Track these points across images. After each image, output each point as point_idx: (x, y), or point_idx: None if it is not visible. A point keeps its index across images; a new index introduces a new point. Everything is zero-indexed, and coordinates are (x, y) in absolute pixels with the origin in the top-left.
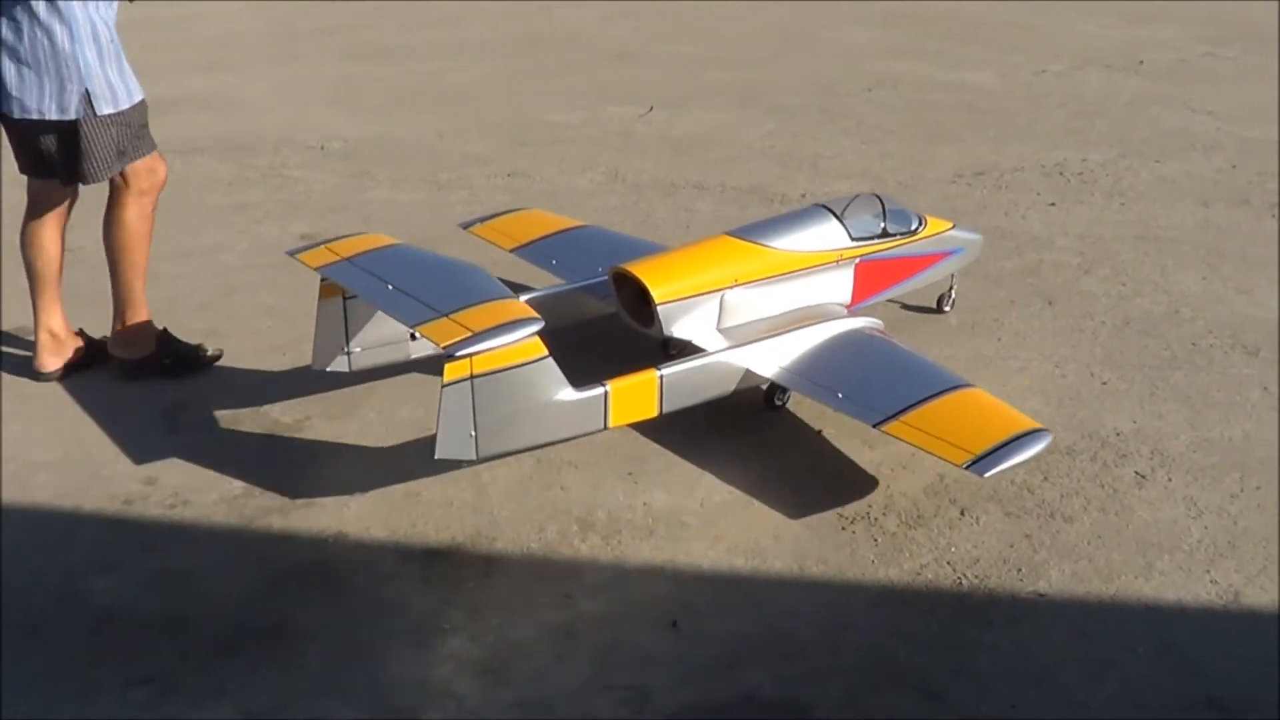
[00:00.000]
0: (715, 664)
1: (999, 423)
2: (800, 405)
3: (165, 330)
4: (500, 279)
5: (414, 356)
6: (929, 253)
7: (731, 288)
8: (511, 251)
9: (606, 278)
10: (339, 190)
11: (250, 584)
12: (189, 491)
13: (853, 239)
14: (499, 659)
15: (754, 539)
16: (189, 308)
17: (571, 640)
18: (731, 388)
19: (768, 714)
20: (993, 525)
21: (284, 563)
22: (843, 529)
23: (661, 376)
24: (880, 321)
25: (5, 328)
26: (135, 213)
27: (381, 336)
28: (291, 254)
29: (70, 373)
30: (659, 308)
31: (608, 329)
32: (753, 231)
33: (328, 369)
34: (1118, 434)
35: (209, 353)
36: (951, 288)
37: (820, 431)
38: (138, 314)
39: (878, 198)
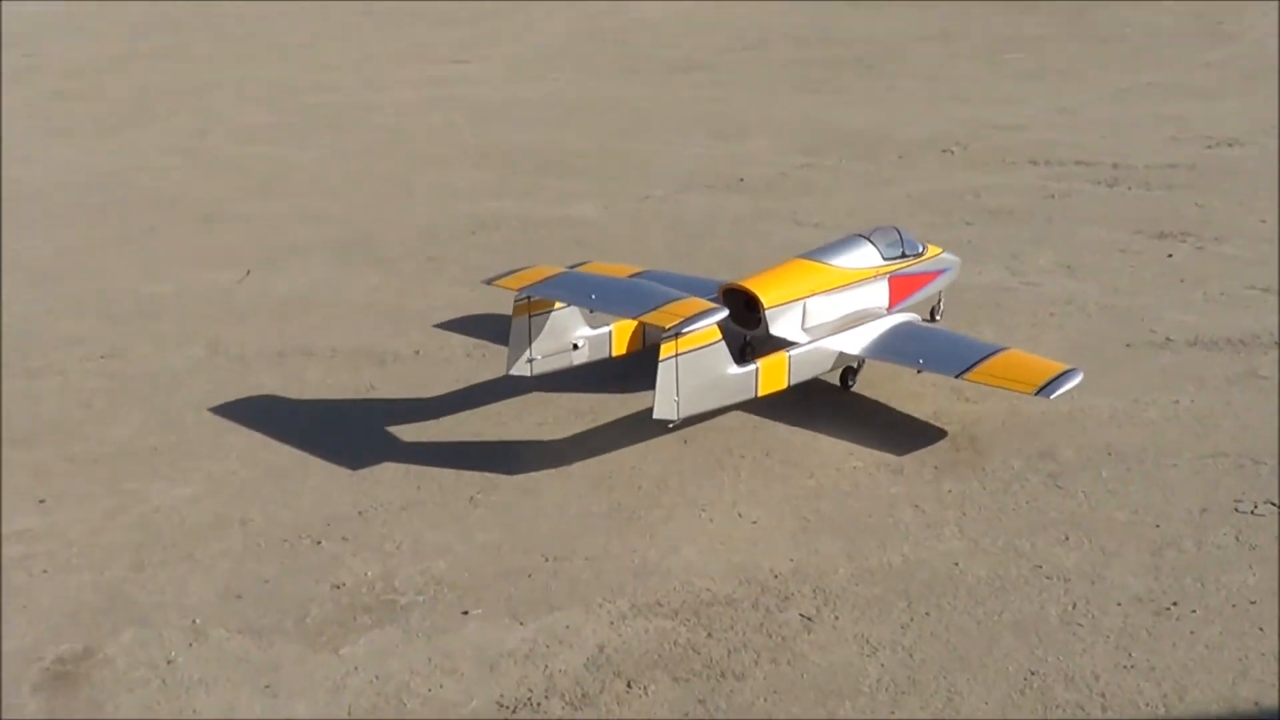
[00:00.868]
0: None
1: (1042, 367)
2: None
3: None
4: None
5: (575, 364)
6: (931, 270)
7: (815, 294)
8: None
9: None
10: None
11: None
12: None
13: (884, 259)
14: None
15: None
16: None
17: None
18: (830, 366)
19: None
20: (663, 695)
21: None
22: None
23: (790, 357)
24: (919, 316)
25: None
26: None
27: (554, 347)
28: (489, 282)
29: None
30: (766, 312)
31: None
32: (818, 254)
33: (512, 373)
34: (776, 575)
35: None
36: (940, 300)
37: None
38: None
39: (895, 229)
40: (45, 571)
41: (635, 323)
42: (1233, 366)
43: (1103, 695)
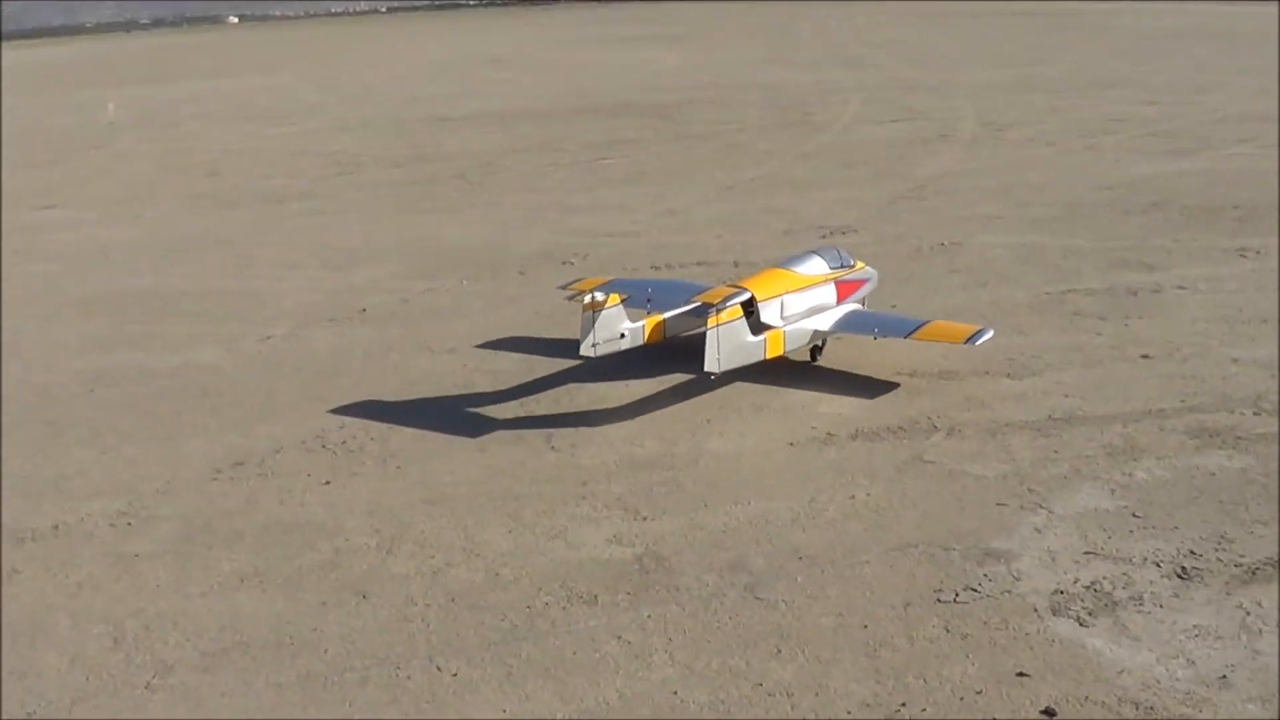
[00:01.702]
0: None
1: (962, 328)
2: None
3: None
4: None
5: (623, 349)
6: (860, 279)
7: (789, 292)
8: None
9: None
10: None
11: None
12: None
13: (830, 268)
14: None
15: None
16: None
17: None
18: (808, 341)
19: None
20: None
21: None
22: None
23: (785, 332)
24: (862, 306)
25: None
26: None
27: (608, 336)
28: (563, 286)
29: None
30: (761, 307)
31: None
32: (788, 263)
33: (581, 354)
34: None
35: None
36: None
37: None
38: None
39: (835, 249)
40: None
41: (659, 320)
42: (899, 454)
43: None
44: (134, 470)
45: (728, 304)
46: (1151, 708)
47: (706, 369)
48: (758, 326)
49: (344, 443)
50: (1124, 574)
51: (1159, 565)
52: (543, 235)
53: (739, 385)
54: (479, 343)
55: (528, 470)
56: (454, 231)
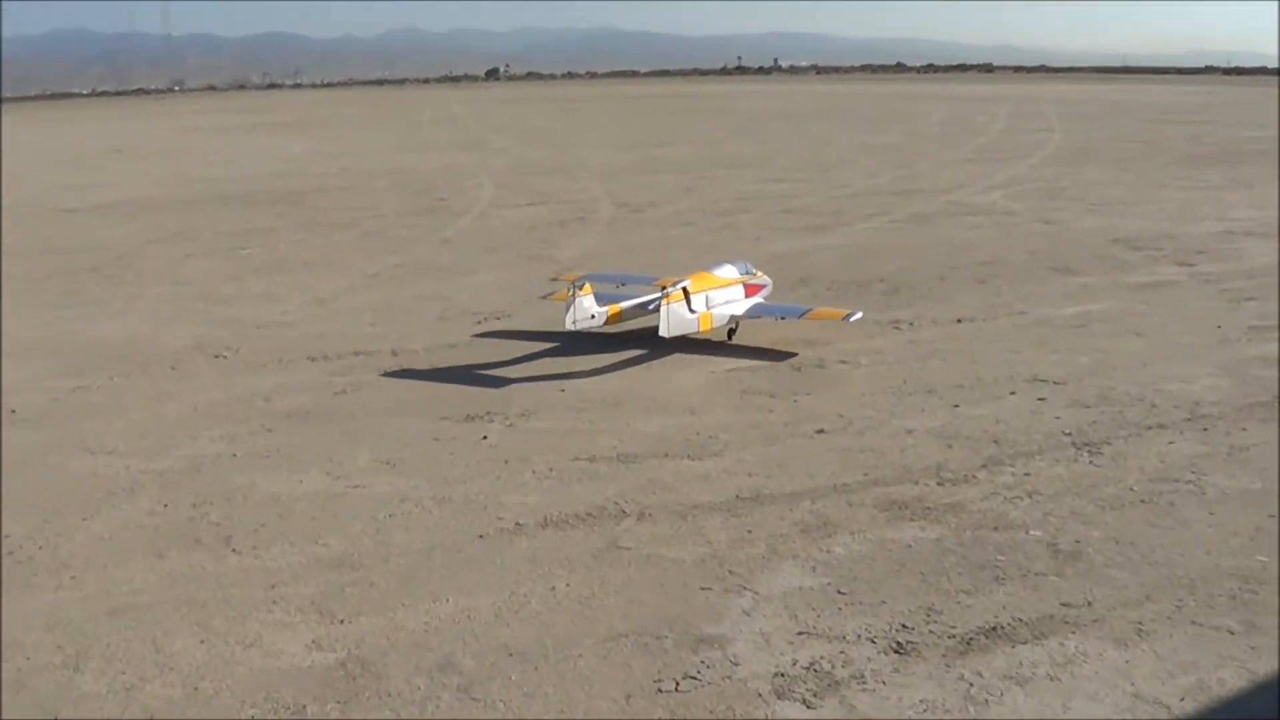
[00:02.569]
0: None
1: (838, 310)
2: None
3: None
4: None
5: (594, 329)
6: (760, 283)
7: (713, 289)
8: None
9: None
10: None
11: None
12: None
13: (740, 274)
14: None
15: None
16: None
17: None
18: (725, 324)
19: None
20: None
21: None
22: None
23: (712, 313)
24: (764, 300)
25: None
26: None
27: (582, 315)
28: (555, 279)
29: None
30: (693, 297)
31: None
32: (714, 269)
33: (566, 328)
34: None
35: None
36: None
37: None
38: None
39: (744, 261)
40: None
41: (619, 308)
42: (592, 541)
43: None
44: None
45: (673, 289)
46: None
47: (660, 334)
48: (690, 309)
49: (10, 553)
50: (841, 652)
51: (874, 641)
52: (192, 328)
53: (417, 480)
54: (141, 440)
55: (210, 575)
56: (98, 326)
